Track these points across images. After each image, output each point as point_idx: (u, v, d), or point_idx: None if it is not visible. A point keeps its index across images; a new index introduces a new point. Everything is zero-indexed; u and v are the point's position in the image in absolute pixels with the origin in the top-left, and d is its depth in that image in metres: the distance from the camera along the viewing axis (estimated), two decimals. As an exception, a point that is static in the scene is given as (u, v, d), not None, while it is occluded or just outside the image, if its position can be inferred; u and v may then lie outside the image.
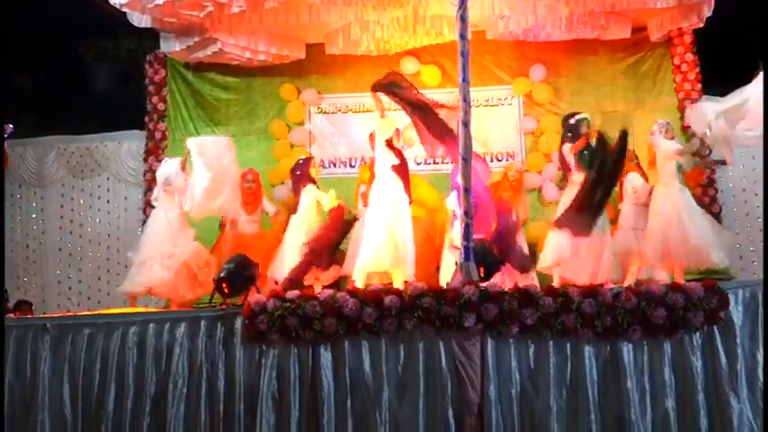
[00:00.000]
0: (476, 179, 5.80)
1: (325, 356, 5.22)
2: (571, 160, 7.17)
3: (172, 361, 5.31)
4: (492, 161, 8.95)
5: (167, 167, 7.53)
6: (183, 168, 7.40)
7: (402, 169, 6.75)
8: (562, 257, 6.92)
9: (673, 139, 7.22)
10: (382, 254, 6.44)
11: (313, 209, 7.38)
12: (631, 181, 7.45)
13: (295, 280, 6.39)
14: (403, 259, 6.48)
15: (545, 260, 7.14)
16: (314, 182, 7.53)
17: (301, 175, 7.55)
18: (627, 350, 5.19)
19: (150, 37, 9.38)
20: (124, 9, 8.16)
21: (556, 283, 6.82)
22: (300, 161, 7.82)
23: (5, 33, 7.16)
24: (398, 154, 6.76)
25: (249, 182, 7.94)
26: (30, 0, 10.28)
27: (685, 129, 8.84)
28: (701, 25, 8.67)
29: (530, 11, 8.38)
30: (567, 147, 7.24)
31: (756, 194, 9.01)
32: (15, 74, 10.08)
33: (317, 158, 8.61)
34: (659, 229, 6.80)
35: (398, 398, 5.15)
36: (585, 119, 7.08)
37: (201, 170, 6.97)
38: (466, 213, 5.42)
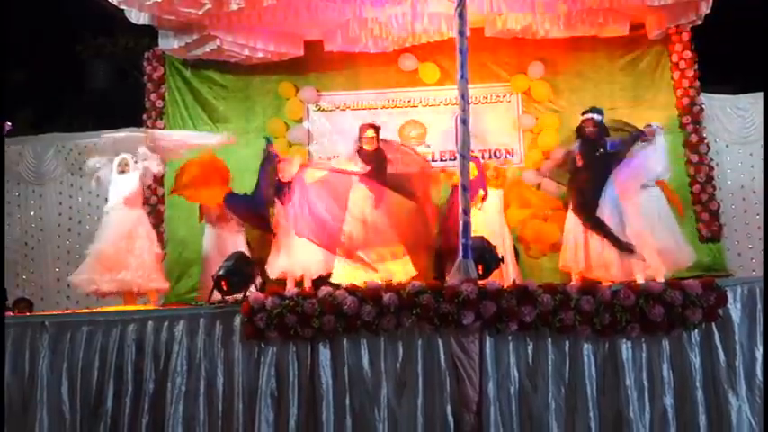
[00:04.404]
0: None
1: (324, 354, 5.23)
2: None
3: (170, 359, 5.31)
4: (490, 158, 8.94)
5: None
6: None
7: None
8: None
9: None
10: None
11: None
12: None
13: None
14: None
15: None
16: None
17: None
18: (625, 347, 5.20)
19: (148, 34, 9.36)
20: (122, 6, 8.13)
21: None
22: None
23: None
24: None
25: None
26: (30, -2, 10.30)
27: (684, 126, 8.87)
28: (700, 23, 8.67)
29: (528, 8, 8.38)
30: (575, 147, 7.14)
31: (755, 192, 9.04)
32: (12, 70, 10.04)
33: (315, 156, 8.65)
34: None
35: (397, 395, 5.16)
36: (591, 118, 6.92)
37: None
38: (465, 211, 5.42)
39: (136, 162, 7.43)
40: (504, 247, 7.38)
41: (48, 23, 11.04)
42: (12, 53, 9.35)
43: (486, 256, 5.77)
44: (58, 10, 10.67)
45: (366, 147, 6.86)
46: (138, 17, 8.42)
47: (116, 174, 7.42)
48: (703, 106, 8.99)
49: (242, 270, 5.93)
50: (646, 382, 5.18)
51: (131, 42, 11.08)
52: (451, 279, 5.28)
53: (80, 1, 9.26)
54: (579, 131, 7.02)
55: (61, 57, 11.72)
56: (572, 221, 6.93)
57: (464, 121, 5.50)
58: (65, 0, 10.18)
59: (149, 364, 5.34)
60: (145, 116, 9.41)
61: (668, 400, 5.14)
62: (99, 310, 6.47)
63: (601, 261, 6.69)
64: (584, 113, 7.05)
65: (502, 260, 5.94)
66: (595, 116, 6.85)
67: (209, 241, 7.62)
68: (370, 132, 6.91)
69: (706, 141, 8.90)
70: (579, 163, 6.95)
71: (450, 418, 5.07)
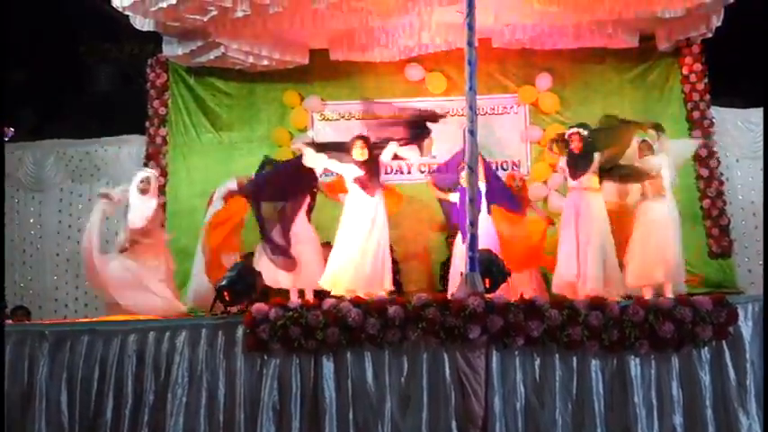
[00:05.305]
0: None
1: (328, 367, 5.16)
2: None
3: (172, 370, 5.25)
4: (497, 170, 8.85)
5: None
6: None
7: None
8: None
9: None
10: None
11: None
12: None
13: None
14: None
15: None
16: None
17: None
18: (634, 364, 5.13)
19: (153, 40, 9.31)
20: (127, 12, 8.10)
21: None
22: None
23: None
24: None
25: None
26: (32, 0, 10.22)
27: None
28: (710, 35, 8.61)
29: (536, 19, 8.34)
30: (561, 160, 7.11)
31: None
32: (12, 70, 9.96)
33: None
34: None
35: (401, 409, 5.09)
36: (577, 132, 6.86)
37: None
38: (471, 223, 5.34)
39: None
40: None
41: (51, 27, 10.99)
42: (12, 53, 9.29)
43: (493, 269, 5.68)
44: (58, 10, 10.63)
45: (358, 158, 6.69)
46: (142, 23, 8.39)
47: (137, 194, 6.91)
48: (714, 120, 8.94)
49: (245, 280, 5.86)
50: (654, 400, 5.10)
51: (136, 49, 11.02)
52: (458, 292, 5.20)
53: (84, 5, 9.24)
54: (566, 146, 6.94)
55: (62, 57, 11.64)
56: (567, 231, 6.79)
57: (472, 133, 5.43)
58: (69, 4, 10.13)
59: (150, 375, 5.28)
60: (147, 123, 9.36)
61: (677, 419, 5.06)
62: (99, 319, 6.40)
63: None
64: (570, 128, 6.98)
65: (509, 273, 5.85)
66: (581, 131, 6.80)
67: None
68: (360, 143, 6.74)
69: (716, 155, 8.83)
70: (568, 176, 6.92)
71: (456, 434, 4.99)
